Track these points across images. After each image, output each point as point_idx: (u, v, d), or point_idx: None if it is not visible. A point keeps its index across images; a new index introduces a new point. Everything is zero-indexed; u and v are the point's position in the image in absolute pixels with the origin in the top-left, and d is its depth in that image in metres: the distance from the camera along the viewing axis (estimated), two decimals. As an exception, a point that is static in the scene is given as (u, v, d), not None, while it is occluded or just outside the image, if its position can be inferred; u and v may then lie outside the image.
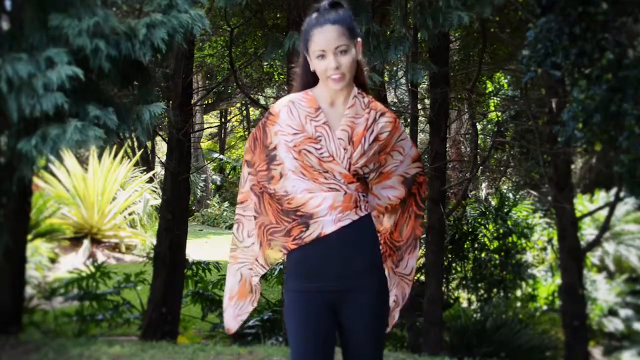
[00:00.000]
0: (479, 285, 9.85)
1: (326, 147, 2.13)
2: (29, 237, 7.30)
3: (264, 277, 8.55)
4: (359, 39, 2.18)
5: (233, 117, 24.55)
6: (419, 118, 9.88)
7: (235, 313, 2.44)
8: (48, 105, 3.67)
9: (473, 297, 9.99)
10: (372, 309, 2.17)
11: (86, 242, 11.57)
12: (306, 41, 2.15)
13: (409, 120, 8.20)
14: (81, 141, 3.73)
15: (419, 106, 9.82)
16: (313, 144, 2.13)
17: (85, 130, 3.75)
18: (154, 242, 8.09)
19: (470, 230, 9.98)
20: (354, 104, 2.18)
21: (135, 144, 15.57)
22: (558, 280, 9.64)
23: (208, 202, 21.32)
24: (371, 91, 2.30)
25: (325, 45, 2.09)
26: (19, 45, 3.94)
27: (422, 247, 9.88)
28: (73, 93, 3.81)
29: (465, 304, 10.08)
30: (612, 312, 10.34)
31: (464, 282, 9.99)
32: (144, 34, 3.98)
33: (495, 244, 10.04)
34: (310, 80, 2.22)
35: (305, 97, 2.20)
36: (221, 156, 22.07)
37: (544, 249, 11.22)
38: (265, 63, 9.88)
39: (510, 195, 10.85)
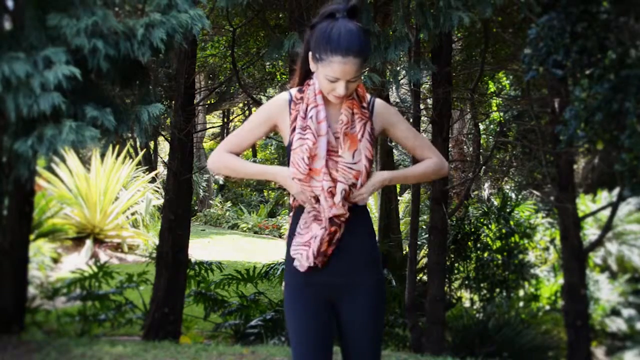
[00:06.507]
0: (482, 285, 9.82)
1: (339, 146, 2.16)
2: (32, 237, 7.31)
3: (265, 277, 8.59)
4: None
5: (235, 117, 24.54)
6: (422, 118, 9.88)
7: None
8: (45, 105, 3.67)
9: (475, 297, 9.98)
10: (370, 304, 2.18)
11: (88, 242, 11.57)
12: (321, 59, 2.08)
13: (411, 120, 8.18)
14: (77, 141, 3.72)
15: (422, 106, 9.80)
16: (331, 148, 2.16)
17: (80, 130, 3.75)
18: (157, 242, 8.09)
19: (472, 230, 9.97)
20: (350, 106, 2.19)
21: (138, 144, 15.60)
22: (560, 280, 9.61)
23: (210, 202, 21.34)
24: (372, 91, 2.29)
25: (343, 76, 2.07)
26: (18, 44, 3.94)
27: (425, 247, 9.90)
28: (72, 93, 3.81)
29: (467, 304, 10.07)
30: (615, 312, 10.30)
31: (466, 282, 9.98)
32: (142, 34, 3.97)
33: (498, 244, 10.01)
34: (305, 75, 2.25)
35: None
36: (224, 156, 22.03)
37: (547, 249, 11.19)
38: (268, 63, 9.87)
39: (513, 195, 10.83)
